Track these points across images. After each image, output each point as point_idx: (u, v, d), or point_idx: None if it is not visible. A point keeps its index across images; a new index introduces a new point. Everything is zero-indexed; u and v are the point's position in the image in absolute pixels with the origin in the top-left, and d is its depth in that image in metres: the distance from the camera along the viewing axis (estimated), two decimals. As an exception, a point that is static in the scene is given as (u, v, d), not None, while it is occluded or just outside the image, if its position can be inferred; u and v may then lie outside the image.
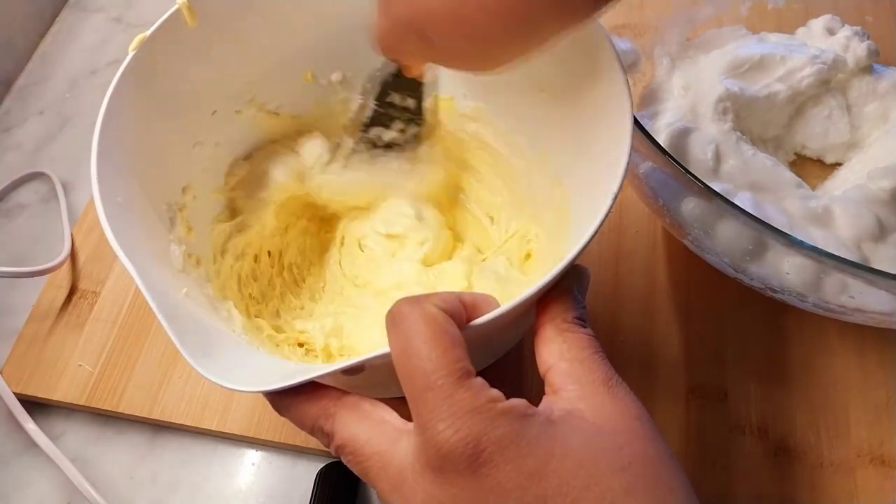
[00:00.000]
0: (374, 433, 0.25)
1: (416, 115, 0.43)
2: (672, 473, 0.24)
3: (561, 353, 0.27)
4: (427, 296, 0.26)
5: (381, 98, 0.42)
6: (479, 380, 0.24)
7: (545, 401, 0.26)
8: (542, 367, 0.27)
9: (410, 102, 0.42)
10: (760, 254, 0.37)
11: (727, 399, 0.43)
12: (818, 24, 0.53)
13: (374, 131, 0.43)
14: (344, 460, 0.26)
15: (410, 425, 0.25)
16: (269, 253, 0.44)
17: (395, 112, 0.42)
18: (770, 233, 0.34)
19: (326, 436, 0.26)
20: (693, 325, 0.46)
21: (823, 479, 0.41)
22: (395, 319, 0.25)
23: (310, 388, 0.27)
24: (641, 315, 0.46)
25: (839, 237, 0.42)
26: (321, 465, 0.41)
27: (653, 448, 0.24)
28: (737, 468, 0.41)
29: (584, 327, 0.28)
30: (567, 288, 0.29)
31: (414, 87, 0.41)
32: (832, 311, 0.38)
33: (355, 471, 0.26)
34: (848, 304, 0.37)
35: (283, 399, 0.27)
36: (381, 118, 0.43)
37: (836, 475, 0.41)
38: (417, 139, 0.44)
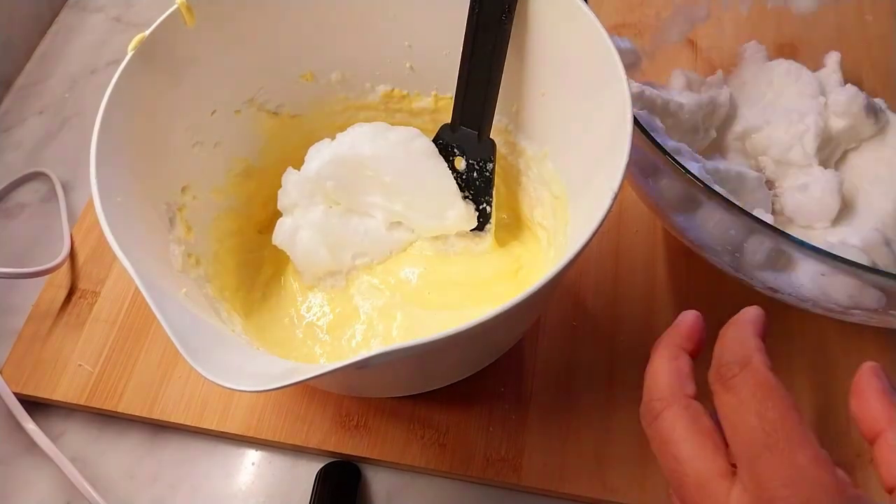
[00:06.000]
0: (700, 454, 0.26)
1: (468, 185, 0.42)
2: None
3: None
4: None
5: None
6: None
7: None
8: (888, 483, 0.27)
9: (462, 165, 0.42)
10: (760, 254, 0.37)
11: (727, 399, 0.43)
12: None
13: None
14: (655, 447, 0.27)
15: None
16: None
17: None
18: (770, 232, 0.34)
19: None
20: (693, 324, 0.46)
21: (823, 479, 0.41)
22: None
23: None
24: (641, 315, 0.46)
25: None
26: (321, 465, 0.41)
27: None
28: (737, 468, 0.41)
29: None
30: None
31: (474, 149, 0.41)
32: (832, 311, 0.38)
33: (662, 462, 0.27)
34: (848, 304, 0.37)
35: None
36: None
37: (836, 475, 0.41)
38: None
